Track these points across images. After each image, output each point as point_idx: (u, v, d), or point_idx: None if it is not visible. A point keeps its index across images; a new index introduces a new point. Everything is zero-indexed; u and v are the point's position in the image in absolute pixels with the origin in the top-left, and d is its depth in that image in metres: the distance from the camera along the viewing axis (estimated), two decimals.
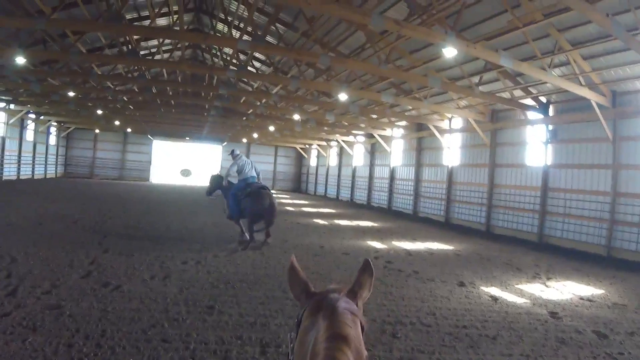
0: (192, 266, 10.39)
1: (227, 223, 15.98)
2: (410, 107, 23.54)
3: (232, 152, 14.76)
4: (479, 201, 21.63)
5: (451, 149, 24.41)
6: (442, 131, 24.40)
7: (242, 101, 28.08)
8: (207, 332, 6.45)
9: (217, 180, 15.14)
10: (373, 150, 33.78)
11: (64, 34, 18.63)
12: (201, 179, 47.13)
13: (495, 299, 9.28)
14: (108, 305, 7.23)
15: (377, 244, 15.59)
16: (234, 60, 21.62)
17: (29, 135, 38.13)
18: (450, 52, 12.44)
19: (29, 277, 8.65)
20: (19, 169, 36.28)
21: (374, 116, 26.44)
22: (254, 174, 14.19)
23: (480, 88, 17.52)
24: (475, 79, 17.47)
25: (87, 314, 6.79)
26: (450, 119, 24.32)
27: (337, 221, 22.15)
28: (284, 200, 35.13)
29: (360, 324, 1.70)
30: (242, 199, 13.45)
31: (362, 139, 34.59)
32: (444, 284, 10.33)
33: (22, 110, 33.18)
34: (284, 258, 11.84)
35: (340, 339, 1.50)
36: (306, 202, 34.34)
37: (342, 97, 19.50)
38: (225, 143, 48.94)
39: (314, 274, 10.25)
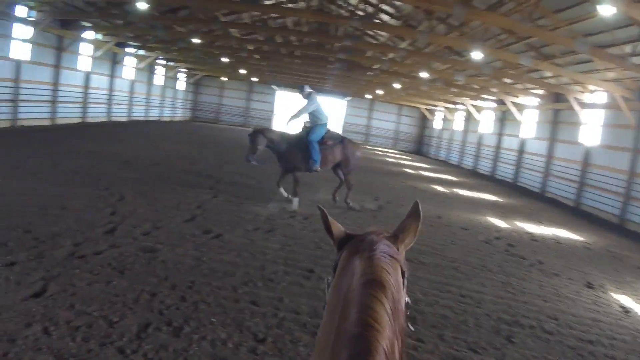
0: (299, 221, 9.89)
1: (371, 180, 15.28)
2: (550, 74, 21.02)
3: (303, 89, 12.15)
4: (615, 190, 18.39)
5: (590, 127, 21.27)
6: (582, 105, 21.51)
7: (366, 55, 26.98)
8: (300, 299, 5.87)
9: (261, 137, 11.47)
10: (503, 118, 30.84)
11: None
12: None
13: (626, 310, 7.72)
14: (204, 254, 6.89)
15: (498, 222, 13.98)
16: (360, 12, 20.58)
17: (159, 80, 39.87)
18: (607, 10, 10.55)
19: (132, 216, 8.56)
20: (147, 110, 37.99)
21: (508, 81, 23.96)
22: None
23: (633, 60, 14.85)
24: (628, 48, 14.82)
25: (179, 261, 6.46)
26: (592, 92, 21.24)
27: (457, 190, 20.66)
28: (404, 162, 33.85)
29: (401, 269, 1.60)
30: (332, 147, 11.87)
31: (492, 104, 31.90)
32: (570, 282, 8.79)
33: (151, 56, 34.43)
34: (399, 222, 10.87)
35: (376, 285, 1.40)
36: (426, 166, 32.67)
37: (476, 56, 17.66)
38: (349, 98, 48.11)
39: (427, 247, 9.19)
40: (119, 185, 11.00)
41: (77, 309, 4.83)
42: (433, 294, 6.64)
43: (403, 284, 1.58)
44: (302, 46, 27.58)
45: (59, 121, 24.45)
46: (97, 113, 29.51)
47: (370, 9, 22.51)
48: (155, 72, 38.90)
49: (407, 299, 1.60)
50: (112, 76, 30.98)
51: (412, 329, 1.69)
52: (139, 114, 36.29)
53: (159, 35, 24.16)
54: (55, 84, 24.23)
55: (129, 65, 33.80)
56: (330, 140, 11.89)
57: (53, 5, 20.50)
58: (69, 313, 4.74)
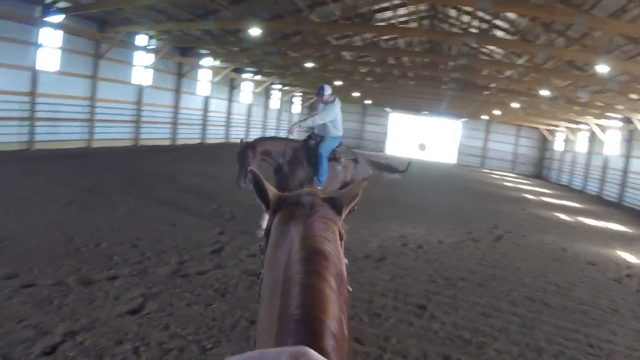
0: (411, 250, 9.36)
1: (454, 204, 14.62)
2: None
3: (322, 90, 9.48)
4: None
5: None
6: None
7: (482, 73, 25.97)
8: (409, 340, 5.39)
9: (250, 154, 8.68)
10: (630, 138, 27.89)
11: (298, 9, 19.01)
12: (437, 154, 46.18)
13: None
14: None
15: (629, 257, 12.22)
16: (472, 30, 19.82)
17: (274, 103, 41.26)
18: None
19: (240, 237, 8.57)
20: (263, 133, 39.02)
21: (635, 97, 21.74)
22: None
23: None
24: None
25: None
26: None
27: (582, 219, 18.78)
28: (523, 186, 31.82)
29: (339, 233, 1.48)
30: (343, 165, 9.60)
31: (618, 124, 28.82)
32: None
33: (266, 81, 35.65)
34: (520, 255, 10.14)
35: (318, 259, 1.26)
36: (548, 192, 30.49)
37: (600, 69, 16.12)
38: (465, 119, 46.54)
39: (552, 286, 8.27)
40: (230, 204, 11.25)
41: (172, 331, 4.79)
42: (558, 343, 5.85)
43: (341, 248, 1.47)
44: (414, 67, 27.18)
45: (180, 142, 26.23)
46: (215, 135, 31.28)
47: (484, 25, 21.67)
48: (271, 96, 40.31)
49: (345, 261, 1.49)
50: (230, 100, 32.75)
51: (350, 289, 1.45)
52: (255, 136, 37.55)
53: (273, 61, 24.96)
54: (176, 107, 26.25)
55: (246, 90, 35.35)
56: (343, 157, 9.63)
57: (171, 34, 22.05)
58: (163, 334, 4.71)
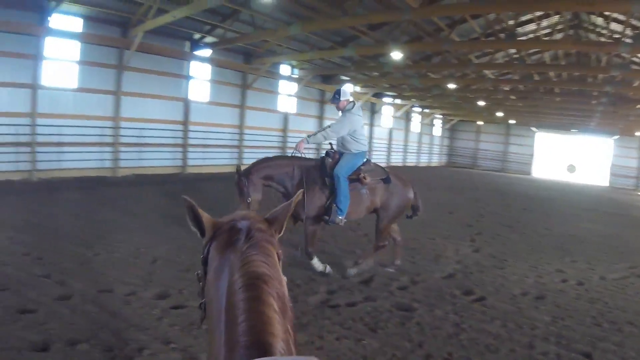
0: (572, 287, 8.18)
1: (613, 233, 13.14)
2: None
3: (337, 95, 7.75)
4: None
5: None
6: None
7: (634, 85, 23.49)
8: None
9: (248, 181, 7.27)
10: None
11: (438, 29, 18.61)
12: (587, 176, 42.63)
13: None
14: (464, 320, 6.03)
15: None
16: (625, 40, 17.93)
17: (415, 126, 40.91)
18: None
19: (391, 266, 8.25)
20: (404, 157, 39.20)
21: None
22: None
23: None
24: None
25: (436, 325, 5.76)
26: None
27: None
28: None
29: (278, 255, 1.53)
30: (370, 187, 7.67)
31: None
32: None
33: (406, 104, 35.50)
34: None
35: (259, 284, 1.31)
36: None
37: None
38: (617, 137, 42.49)
39: None
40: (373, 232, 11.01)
41: None
42: None
43: (279, 268, 1.50)
44: (561, 82, 25.42)
45: None
46: None
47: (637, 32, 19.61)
48: (412, 119, 40.13)
49: (284, 278, 1.51)
50: (371, 124, 33.00)
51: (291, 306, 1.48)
52: (396, 160, 37.69)
53: (413, 84, 24.75)
54: None
55: (387, 114, 35.48)
56: (369, 177, 7.63)
57: (313, 62, 22.77)
58: None
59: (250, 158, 21.32)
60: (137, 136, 17.94)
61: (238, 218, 1.59)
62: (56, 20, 14.94)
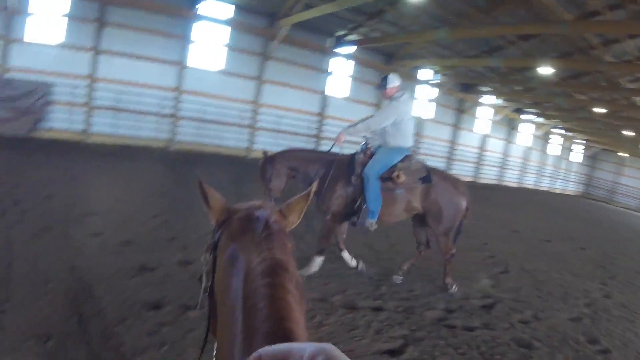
0: None
1: None
2: None
3: (386, 80, 6.85)
4: None
5: None
6: None
7: None
8: None
9: (272, 167, 6.82)
10: None
11: (590, 47, 17.16)
12: None
13: None
14: None
15: None
16: None
17: (553, 149, 38.65)
18: None
19: (512, 296, 7.60)
20: (538, 179, 37.30)
21: None
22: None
23: None
24: None
25: None
26: None
27: None
28: None
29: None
30: (407, 187, 6.72)
31: None
32: None
33: (547, 124, 33.63)
34: None
35: (281, 271, 1.29)
36: None
37: None
38: None
39: None
40: (505, 255, 10.41)
41: None
42: None
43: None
44: None
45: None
46: (488, 175, 30.63)
47: None
48: (550, 140, 37.87)
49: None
50: (507, 141, 31.59)
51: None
52: (529, 181, 35.91)
53: (558, 103, 23.23)
54: (453, 142, 26.76)
55: (525, 132, 33.66)
56: (405, 175, 6.67)
57: (455, 70, 22.09)
58: None
59: None
60: (274, 122, 18.77)
61: (254, 207, 1.55)
62: (207, 6, 15.89)
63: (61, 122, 14.67)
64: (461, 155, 27.84)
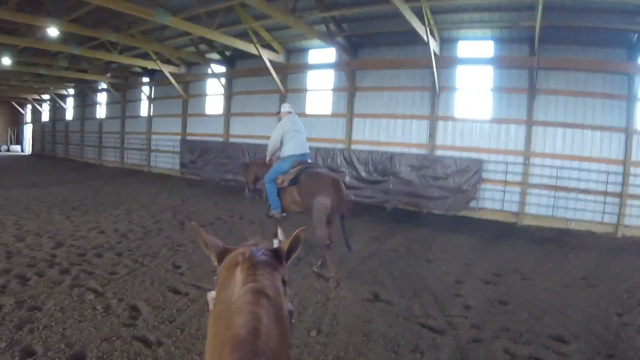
0: None
1: None
2: None
3: (280, 108, 8.94)
4: None
5: None
6: None
7: None
8: None
9: (247, 170, 10.48)
10: None
11: None
12: None
13: None
14: None
15: None
16: None
17: None
18: None
19: None
20: None
21: None
22: (306, 149, 8.51)
23: None
24: None
25: None
26: None
27: None
28: None
29: (282, 279, 1.68)
30: (284, 186, 8.24)
31: None
32: None
33: None
34: None
35: (257, 291, 1.51)
36: None
37: None
38: None
39: None
40: None
41: None
42: None
43: (285, 292, 1.66)
44: None
45: None
46: None
47: None
48: None
49: (290, 305, 1.67)
50: None
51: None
52: None
53: None
54: None
55: None
56: (281, 177, 8.35)
57: None
58: None
59: None
60: None
61: (248, 244, 1.78)
62: None
63: (493, 201, 13.47)
64: None
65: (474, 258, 9.50)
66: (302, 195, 7.90)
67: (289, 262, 1.81)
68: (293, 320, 1.69)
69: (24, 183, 19.16)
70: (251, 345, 1.33)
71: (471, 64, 14.40)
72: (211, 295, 1.78)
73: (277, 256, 1.75)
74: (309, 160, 8.59)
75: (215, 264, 1.79)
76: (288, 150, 8.29)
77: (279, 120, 8.64)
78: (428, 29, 12.78)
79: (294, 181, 8.08)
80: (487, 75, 14.22)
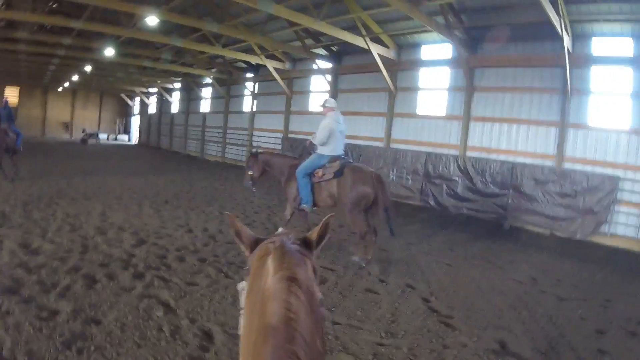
0: None
1: None
2: None
3: (324, 103, 8.96)
4: None
5: None
6: None
7: None
8: None
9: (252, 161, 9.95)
10: None
11: None
12: None
13: None
14: None
15: None
16: None
17: None
18: None
19: None
20: None
21: None
22: (342, 150, 8.92)
23: None
24: None
25: None
26: None
27: None
28: None
29: (313, 267, 1.63)
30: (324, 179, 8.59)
31: None
32: None
33: None
34: None
35: (290, 279, 1.45)
36: None
37: None
38: None
39: None
40: None
41: None
42: None
43: (315, 280, 1.60)
44: None
45: None
46: None
47: None
48: None
49: (319, 294, 1.58)
50: None
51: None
52: None
53: None
54: None
55: None
56: (321, 171, 8.70)
57: None
58: None
59: None
60: None
61: (279, 234, 1.72)
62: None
63: (626, 227, 11.51)
64: None
65: (611, 298, 7.75)
66: (343, 187, 8.30)
67: (319, 249, 1.76)
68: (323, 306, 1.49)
69: (122, 171, 19.36)
70: (285, 333, 1.28)
71: (609, 64, 12.35)
72: (241, 285, 1.76)
73: (307, 245, 1.71)
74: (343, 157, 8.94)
75: (247, 254, 1.75)
76: (327, 150, 8.67)
77: (323, 115, 8.86)
78: (562, 20, 10.98)
79: (339, 173, 8.46)
80: (626, 78, 12.12)
